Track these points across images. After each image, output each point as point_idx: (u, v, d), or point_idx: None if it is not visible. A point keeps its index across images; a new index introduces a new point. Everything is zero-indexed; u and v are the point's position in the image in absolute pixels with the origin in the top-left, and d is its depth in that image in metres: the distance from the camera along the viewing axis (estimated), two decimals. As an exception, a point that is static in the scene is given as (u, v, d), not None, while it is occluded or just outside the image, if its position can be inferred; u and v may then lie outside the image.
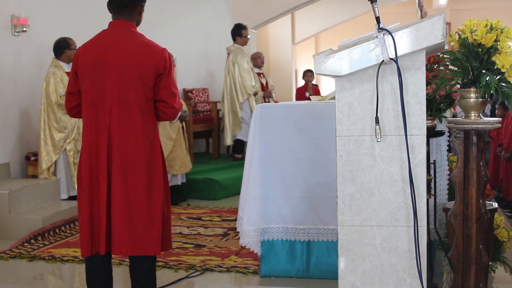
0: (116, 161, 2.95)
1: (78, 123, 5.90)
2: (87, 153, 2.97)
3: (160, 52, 2.99)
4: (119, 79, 2.95)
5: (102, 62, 2.96)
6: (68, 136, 5.90)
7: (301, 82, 11.94)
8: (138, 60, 2.95)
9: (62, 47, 5.99)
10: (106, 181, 2.95)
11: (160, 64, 2.97)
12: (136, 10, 3.06)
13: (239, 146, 8.42)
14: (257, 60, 9.01)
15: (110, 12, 3.08)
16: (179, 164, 6.63)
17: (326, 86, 14.95)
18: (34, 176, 6.08)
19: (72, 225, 5.50)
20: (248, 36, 8.50)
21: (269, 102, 8.93)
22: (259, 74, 9.03)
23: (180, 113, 5.62)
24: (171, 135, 6.50)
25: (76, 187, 3.14)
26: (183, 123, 6.81)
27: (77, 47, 5.88)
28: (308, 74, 10.73)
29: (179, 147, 6.63)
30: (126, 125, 2.95)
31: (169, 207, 3.13)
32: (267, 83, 9.11)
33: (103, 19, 7.86)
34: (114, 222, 2.95)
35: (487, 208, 2.86)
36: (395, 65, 2.49)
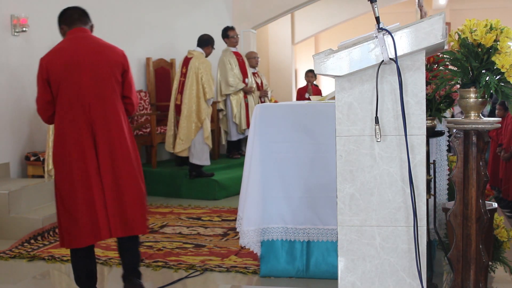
0: (104, 154, 3.21)
1: None
2: (69, 154, 3.19)
3: (121, 51, 3.37)
4: (94, 77, 3.23)
5: (74, 64, 3.23)
6: None
7: (301, 82, 11.94)
8: (107, 59, 3.26)
9: None
10: (98, 174, 3.19)
11: (124, 61, 3.34)
12: (89, 25, 3.46)
13: (234, 147, 8.47)
14: (251, 60, 9.05)
15: (65, 29, 3.41)
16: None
17: (327, 86, 14.95)
18: (34, 176, 6.08)
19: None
20: (237, 36, 8.53)
21: (264, 101, 8.94)
22: (253, 73, 9.04)
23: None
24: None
25: (57, 185, 3.30)
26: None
27: None
28: (309, 74, 10.67)
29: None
30: (108, 119, 3.22)
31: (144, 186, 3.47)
32: (261, 83, 9.14)
33: (102, 19, 7.89)
34: (109, 209, 3.22)
35: (487, 208, 2.86)
36: (395, 65, 2.49)
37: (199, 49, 7.28)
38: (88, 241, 3.23)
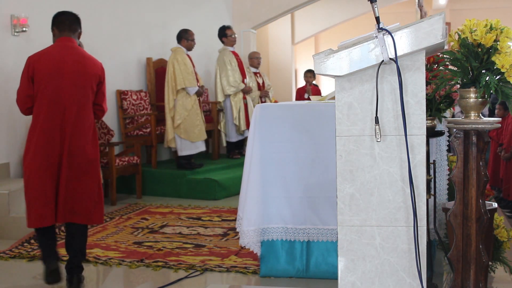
0: (65, 151, 3.65)
1: None
2: (38, 145, 3.64)
3: (99, 64, 3.83)
4: (72, 85, 3.68)
5: (57, 70, 3.67)
6: None
7: (301, 82, 11.93)
8: (86, 70, 3.72)
9: None
10: (57, 165, 3.65)
11: (101, 74, 3.81)
12: (77, 33, 3.84)
13: (234, 147, 8.48)
14: (253, 60, 9.06)
15: (55, 33, 3.81)
16: (197, 132, 7.41)
17: (327, 86, 14.95)
18: (34, 176, 6.07)
19: (72, 225, 5.50)
20: (234, 35, 8.52)
21: (265, 101, 8.95)
22: (255, 73, 9.05)
23: (197, 88, 7.36)
24: (187, 106, 7.31)
25: (26, 171, 3.72)
26: (199, 98, 7.51)
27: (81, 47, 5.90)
28: (308, 74, 10.65)
29: (196, 116, 7.38)
30: (78, 123, 3.68)
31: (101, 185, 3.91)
32: (263, 83, 9.14)
33: (102, 19, 7.88)
34: (61, 197, 3.67)
35: (487, 208, 2.86)
36: (395, 65, 2.49)
37: (177, 45, 7.48)
38: (46, 222, 3.68)
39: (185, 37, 7.50)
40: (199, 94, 7.45)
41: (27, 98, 3.70)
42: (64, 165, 3.66)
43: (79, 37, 3.88)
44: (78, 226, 3.81)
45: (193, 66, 7.50)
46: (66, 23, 3.77)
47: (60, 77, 3.66)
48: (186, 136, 7.33)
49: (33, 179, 3.66)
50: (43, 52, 3.72)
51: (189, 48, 7.55)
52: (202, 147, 7.58)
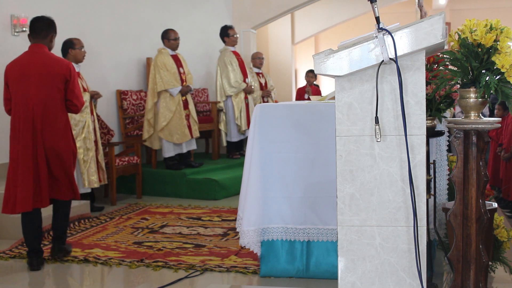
0: (38, 142, 4.20)
1: (88, 120, 5.98)
2: (16, 140, 4.23)
3: (66, 65, 4.32)
4: (39, 86, 4.22)
5: (25, 74, 4.24)
6: (78, 134, 5.92)
7: (301, 82, 11.93)
8: (51, 71, 4.24)
9: (67, 47, 6.01)
10: (33, 155, 4.19)
11: (66, 73, 4.28)
12: (48, 37, 4.39)
13: (234, 147, 8.48)
14: (255, 61, 9.06)
15: (30, 39, 4.38)
16: (180, 134, 7.34)
17: (327, 86, 14.95)
18: (34, 176, 6.07)
19: (71, 225, 5.50)
20: (236, 35, 8.52)
21: (267, 101, 8.94)
22: (258, 74, 9.05)
23: (180, 87, 7.31)
24: (171, 108, 7.26)
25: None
26: (185, 97, 7.46)
27: (82, 47, 5.94)
28: (309, 74, 10.62)
29: (180, 117, 7.33)
30: (46, 119, 4.22)
31: (73, 168, 4.46)
32: (266, 83, 9.13)
33: (101, 19, 7.88)
34: (42, 182, 4.24)
35: (487, 208, 2.86)
36: (395, 65, 2.50)
37: (162, 47, 7.51)
38: (26, 207, 4.21)
39: (166, 38, 7.49)
40: (184, 93, 7.40)
41: (6, 101, 4.35)
42: (40, 157, 4.21)
43: (51, 40, 4.43)
44: (56, 202, 4.46)
45: (180, 65, 7.48)
46: (37, 31, 4.36)
47: (26, 80, 4.23)
48: (170, 139, 7.32)
49: (14, 170, 4.22)
50: (15, 60, 4.35)
51: (173, 48, 7.51)
52: (189, 147, 7.58)
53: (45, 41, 4.37)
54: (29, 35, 4.40)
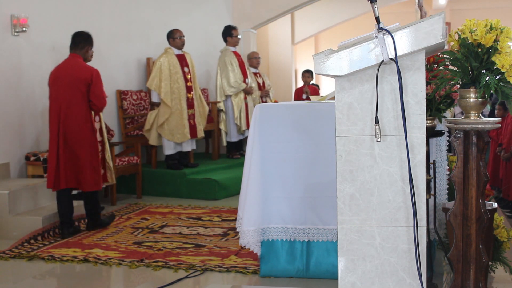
0: (61, 133, 5.20)
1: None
2: (49, 129, 5.28)
3: (89, 71, 5.27)
4: (67, 88, 5.23)
5: (58, 78, 5.28)
6: None
7: (301, 82, 11.93)
8: (76, 76, 5.24)
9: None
10: (57, 143, 5.20)
11: (88, 78, 5.24)
12: (84, 49, 5.40)
13: (234, 147, 8.48)
14: (252, 60, 9.05)
15: (70, 50, 5.42)
16: (181, 134, 7.39)
17: (327, 86, 14.95)
18: (34, 176, 6.07)
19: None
20: (239, 36, 8.52)
21: (266, 101, 8.94)
22: (255, 74, 9.04)
23: (156, 94, 7.38)
24: (166, 104, 7.32)
25: None
26: (191, 96, 7.51)
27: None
28: (305, 74, 10.60)
29: (179, 117, 7.36)
30: (68, 113, 5.21)
31: (98, 159, 5.45)
32: (263, 83, 9.13)
33: (102, 19, 7.88)
34: (64, 168, 5.21)
35: (487, 208, 2.86)
36: (395, 65, 2.50)
37: (168, 46, 7.57)
38: (58, 186, 5.22)
39: (171, 37, 7.54)
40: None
41: (49, 99, 5.37)
42: (61, 141, 5.18)
43: (87, 51, 5.41)
44: (83, 192, 5.39)
45: (185, 65, 7.49)
46: (75, 43, 5.38)
47: (59, 82, 5.26)
48: (171, 138, 7.36)
49: (49, 152, 5.28)
50: (56, 67, 5.42)
51: (178, 47, 7.53)
52: (189, 147, 7.59)
53: (81, 52, 5.37)
54: (70, 46, 5.40)
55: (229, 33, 8.45)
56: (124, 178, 7.17)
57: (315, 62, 2.57)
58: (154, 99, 7.38)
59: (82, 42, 5.38)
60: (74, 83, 5.21)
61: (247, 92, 8.44)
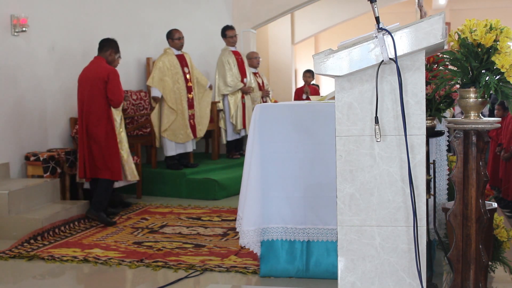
0: (85, 128, 5.77)
1: None
2: (78, 125, 5.92)
3: (106, 71, 5.78)
4: (87, 86, 5.78)
5: (83, 78, 5.84)
6: None
7: (301, 82, 11.93)
8: (96, 75, 5.76)
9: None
10: (81, 137, 5.80)
11: (105, 77, 5.75)
12: (108, 52, 5.96)
13: (234, 147, 8.49)
14: (252, 60, 9.04)
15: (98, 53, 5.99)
16: (183, 133, 7.45)
17: (326, 86, 14.95)
18: (34, 176, 6.08)
19: (71, 225, 5.51)
20: (235, 35, 8.51)
21: (266, 101, 8.94)
22: (254, 74, 9.04)
23: (158, 91, 7.35)
24: (172, 108, 7.36)
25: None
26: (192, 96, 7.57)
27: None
28: (306, 74, 10.61)
29: (182, 118, 7.40)
30: (88, 109, 5.77)
31: (113, 151, 5.91)
32: (263, 83, 9.14)
33: (102, 19, 7.87)
34: (85, 158, 5.79)
35: (487, 208, 2.86)
36: (395, 65, 2.50)
37: (168, 47, 7.58)
38: (87, 175, 5.84)
39: (170, 38, 7.54)
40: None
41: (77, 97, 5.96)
42: (84, 135, 5.75)
43: (110, 54, 5.93)
44: (97, 180, 5.86)
45: (185, 65, 7.49)
46: (101, 47, 5.97)
47: (83, 82, 5.83)
48: (174, 138, 7.38)
49: (78, 145, 5.87)
50: (83, 68, 5.94)
51: (177, 47, 7.53)
52: (190, 147, 7.61)
53: (105, 55, 5.92)
54: (98, 50, 5.97)
55: (223, 34, 8.48)
56: (124, 178, 7.16)
57: (315, 62, 2.57)
58: (155, 93, 7.36)
59: (106, 45, 5.93)
60: (94, 81, 5.73)
61: (245, 91, 8.44)
